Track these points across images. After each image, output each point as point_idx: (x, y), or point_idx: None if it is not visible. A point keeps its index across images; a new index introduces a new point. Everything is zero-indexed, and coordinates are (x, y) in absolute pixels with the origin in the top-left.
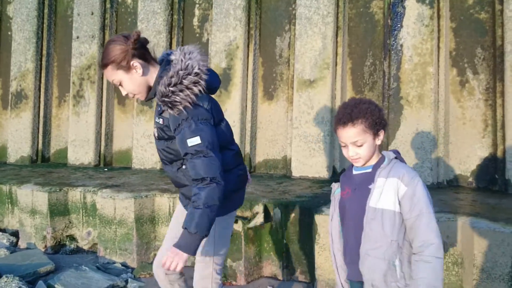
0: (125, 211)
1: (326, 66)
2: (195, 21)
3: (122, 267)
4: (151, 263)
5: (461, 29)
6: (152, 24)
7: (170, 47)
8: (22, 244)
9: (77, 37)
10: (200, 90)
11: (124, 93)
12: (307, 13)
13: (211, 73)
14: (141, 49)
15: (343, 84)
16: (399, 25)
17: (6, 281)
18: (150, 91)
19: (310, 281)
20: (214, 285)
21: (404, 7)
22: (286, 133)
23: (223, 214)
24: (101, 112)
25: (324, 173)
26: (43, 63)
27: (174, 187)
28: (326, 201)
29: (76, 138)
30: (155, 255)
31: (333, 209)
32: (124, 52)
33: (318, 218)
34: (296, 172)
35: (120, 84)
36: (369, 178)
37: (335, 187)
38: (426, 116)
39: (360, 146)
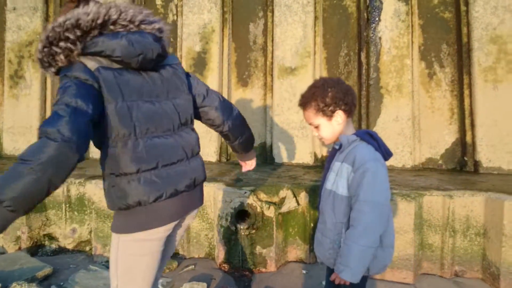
0: None
1: (307, 54)
2: (158, 0)
3: None
4: None
5: (428, 26)
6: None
7: None
8: None
9: (14, 9)
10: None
11: None
12: (286, 1)
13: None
14: None
15: (320, 72)
16: (377, 19)
17: None
18: None
19: None
20: None
21: (381, 2)
22: (263, 120)
23: (124, 231)
24: (45, 95)
25: (308, 159)
26: None
27: None
28: None
29: (14, 125)
30: None
31: None
32: None
33: None
34: (278, 158)
35: None
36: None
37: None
38: (405, 105)
39: (317, 127)
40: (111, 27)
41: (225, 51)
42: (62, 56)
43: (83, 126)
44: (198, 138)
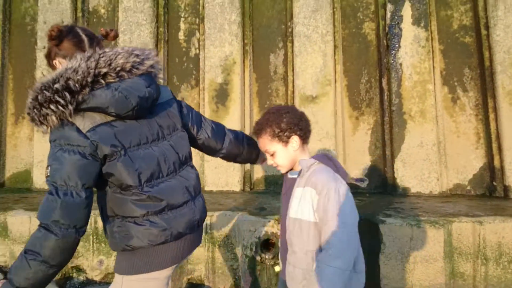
0: None
1: (328, 82)
2: (181, 35)
3: None
4: None
5: (449, 51)
6: (136, 36)
7: None
8: None
9: (44, 47)
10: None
11: None
12: (305, 31)
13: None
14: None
15: (341, 100)
16: (397, 46)
17: None
18: None
19: None
20: None
21: (400, 29)
22: None
23: (128, 272)
24: None
25: None
26: None
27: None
28: (379, 211)
29: (44, 159)
30: (188, 280)
31: None
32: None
33: (382, 228)
34: None
35: None
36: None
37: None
38: (429, 130)
39: (273, 155)
40: (102, 81)
41: (247, 82)
42: (54, 117)
43: (77, 212)
44: (198, 175)
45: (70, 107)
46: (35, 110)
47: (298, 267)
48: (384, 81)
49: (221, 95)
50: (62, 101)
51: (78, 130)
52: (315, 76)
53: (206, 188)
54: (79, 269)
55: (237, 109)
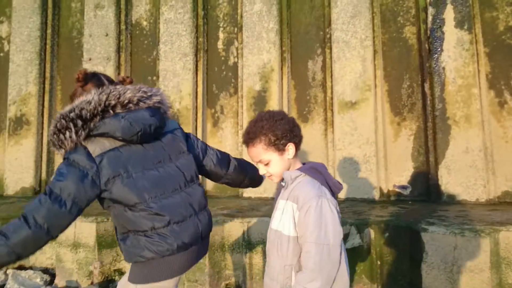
0: None
1: (367, 88)
2: (220, 44)
3: None
4: None
5: (495, 54)
6: (177, 47)
7: (196, 69)
8: (60, 282)
9: (90, 59)
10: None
11: None
12: (344, 37)
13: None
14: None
15: (382, 106)
16: (439, 49)
17: None
18: None
19: None
20: None
21: (443, 32)
22: (325, 156)
23: (141, 282)
24: None
25: (373, 194)
26: (47, 86)
27: (242, 211)
28: (421, 219)
29: None
30: (226, 285)
31: None
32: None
33: (425, 236)
34: (341, 194)
35: None
36: None
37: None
38: (475, 136)
39: (267, 164)
40: (111, 111)
41: (285, 89)
42: (69, 142)
43: (57, 220)
44: (203, 191)
45: (83, 133)
46: (54, 135)
47: (275, 280)
48: (426, 86)
49: (260, 102)
50: (75, 128)
51: (89, 153)
52: (354, 81)
53: (245, 195)
54: (121, 272)
55: None
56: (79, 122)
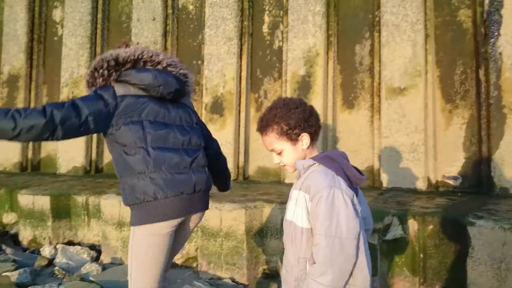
0: (233, 223)
1: (417, 73)
2: (265, 28)
3: (233, 283)
4: (265, 278)
5: None
6: (221, 31)
7: (241, 53)
8: (105, 259)
9: (137, 43)
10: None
11: None
12: (394, 20)
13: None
14: None
15: (432, 92)
16: (496, 34)
17: None
18: None
19: None
20: None
21: (501, 15)
22: (371, 143)
23: (137, 223)
24: None
25: (420, 184)
26: None
27: (277, 198)
28: (469, 212)
29: None
30: (263, 270)
31: None
32: None
33: (471, 230)
34: (386, 183)
35: None
36: None
37: None
38: None
39: (280, 153)
40: (142, 64)
41: (330, 74)
42: (100, 80)
43: (71, 123)
44: (204, 154)
45: (114, 73)
46: (90, 74)
47: (290, 273)
48: (481, 72)
49: (304, 87)
50: (108, 67)
51: (114, 92)
52: (404, 66)
53: (287, 181)
54: None
55: (319, 102)
56: (113, 63)
